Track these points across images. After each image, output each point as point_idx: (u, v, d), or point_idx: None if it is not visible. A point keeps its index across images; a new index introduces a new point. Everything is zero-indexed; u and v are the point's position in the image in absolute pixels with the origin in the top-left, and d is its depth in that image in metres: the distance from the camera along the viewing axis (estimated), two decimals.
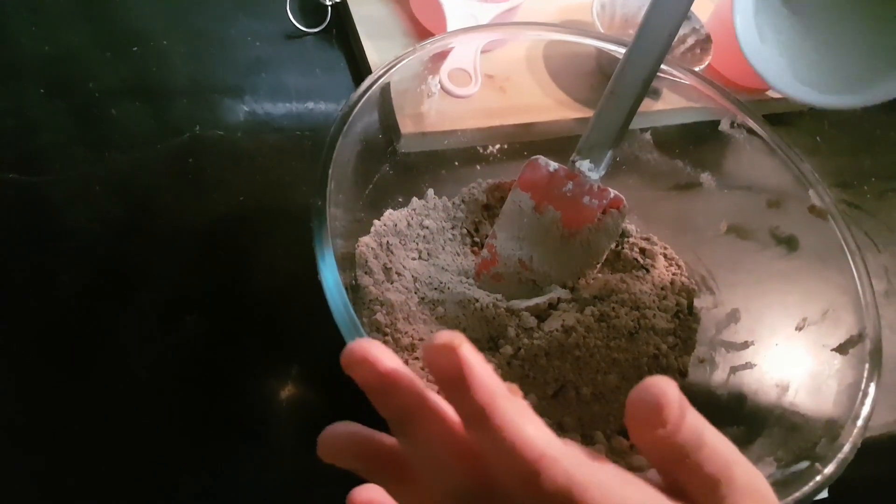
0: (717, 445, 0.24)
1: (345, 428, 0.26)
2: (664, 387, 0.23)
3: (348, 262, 0.49)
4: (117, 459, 0.46)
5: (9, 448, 0.45)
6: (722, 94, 0.54)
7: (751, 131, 0.54)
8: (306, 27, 0.71)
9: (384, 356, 0.23)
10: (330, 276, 0.37)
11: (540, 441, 0.21)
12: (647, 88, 0.51)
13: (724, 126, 0.55)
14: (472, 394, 0.21)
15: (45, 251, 0.53)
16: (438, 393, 0.24)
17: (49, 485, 0.45)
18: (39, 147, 0.58)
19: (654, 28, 0.49)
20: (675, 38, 0.76)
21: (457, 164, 0.61)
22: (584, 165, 0.53)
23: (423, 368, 0.47)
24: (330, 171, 0.40)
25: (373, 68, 0.68)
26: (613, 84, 0.51)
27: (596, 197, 0.53)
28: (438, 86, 0.56)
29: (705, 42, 0.74)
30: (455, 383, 0.22)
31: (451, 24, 0.65)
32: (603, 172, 0.53)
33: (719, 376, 0.51)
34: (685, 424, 0.23)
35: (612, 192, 0.53)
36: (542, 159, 0.54)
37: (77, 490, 0.45)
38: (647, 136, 0.59)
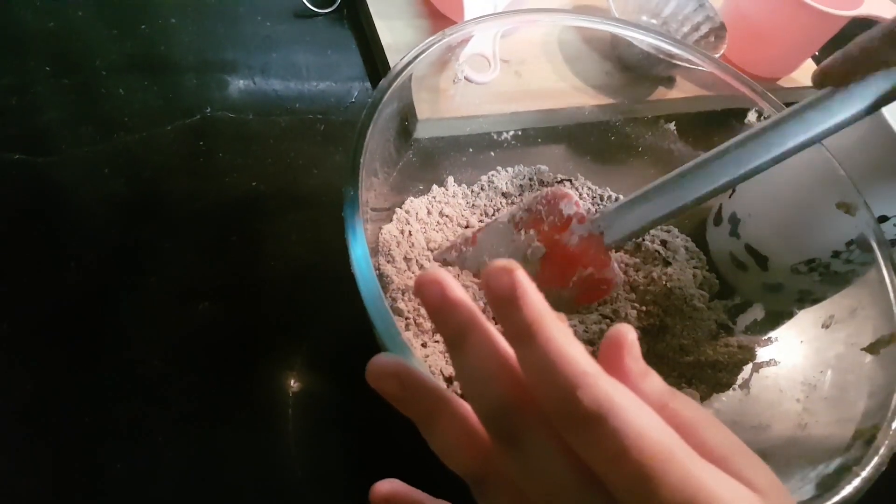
0: (685, 405, 0.25)
1: (394, 358, 0.27)
2: (625, 329, 0.25)
3: (372, 250, 0.48)
4: (128, 450, 0.45)
5: (18, 439, 0.44)
6: (743, 83, 0.53)
7: None
8: (316, 7, 0.70)
9: (452, 283, 0.25)
10: (365, 268, 0.35)
11: (583, 360, 0.22)
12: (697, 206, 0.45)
13: (752, 118, 0.54)
14: (521, 311, 0.22)
15: (52, 235, 0.51)
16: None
17: (59, 476, 0.43)
18: (45, 126, 0.56)
19: (729, 162, 0.44)
20: (689, 26, 0.76)
21: (471, 150, 0.60)
22: (598, 228, 0.48)
23: (443, 352, 0.46)
24: (361, 160, 0.39)
25: (386, 49, 0.66)
26: (659, 186, 0.46)
27: (591, 264, 0.49)
28: (461, 72, 0.55)
29: (720, 30, 0.74)
30: (507, 300, 0.23)
31: (469, 10, 0.63)
32: (613, 244, 0.48)
33: (742, 373, 0.51)
34: (650, 376, 0.25)
35: (613, 270, 0.49)
36: (574, 196, 0.50)
37: (87, 481, 0.43)
38: (672, 126, 0.58)
